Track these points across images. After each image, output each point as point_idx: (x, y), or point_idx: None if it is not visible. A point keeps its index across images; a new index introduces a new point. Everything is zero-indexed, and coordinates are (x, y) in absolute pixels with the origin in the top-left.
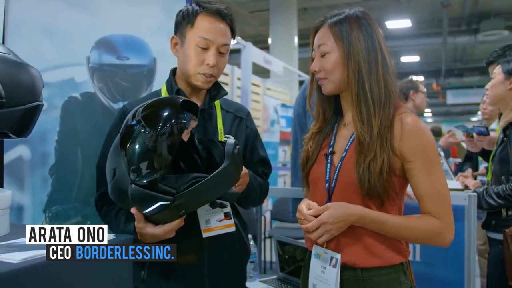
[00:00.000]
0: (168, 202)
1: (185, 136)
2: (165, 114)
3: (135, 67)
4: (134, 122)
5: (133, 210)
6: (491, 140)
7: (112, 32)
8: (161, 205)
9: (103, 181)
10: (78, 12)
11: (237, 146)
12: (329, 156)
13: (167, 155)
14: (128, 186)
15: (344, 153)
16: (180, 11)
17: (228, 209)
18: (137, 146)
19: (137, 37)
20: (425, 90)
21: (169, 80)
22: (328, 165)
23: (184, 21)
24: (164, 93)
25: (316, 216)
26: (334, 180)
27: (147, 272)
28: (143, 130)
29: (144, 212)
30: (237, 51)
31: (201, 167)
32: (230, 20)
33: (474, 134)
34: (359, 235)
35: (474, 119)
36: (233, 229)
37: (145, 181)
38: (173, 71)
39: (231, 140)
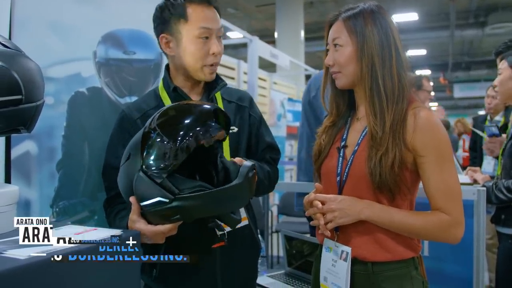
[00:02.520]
0: (167, 200)
1: (207, 144)
2: (192, 121)
3: (141, 61)
4: (159, 123)
5: (131, 199)
6: (502, 142)
7: (119, 27)
8: (159, 201)
9: (110, 187)
10: (85, 6)
11: (254, 170)
12: (342, 149)
13: (182, 157)
14: (136, 173)
15: (356, 147)
16: (159, 8)
17: (224, 232)
18: (159, 144)
19: (143, 32)
20: (430, 88)
21: (164, 78)
22: (340, 158)
23: (173, 16)
24: (161, 90)
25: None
26: (345, 174)
27: (159, 270)
28: (167, 132)
29: (142, 204)
30: (243, 46)
31: (215, 186)
32: (216, 2)
33: (486, 137)
34: (370, 230)
35: (481, 112)
36: (246, 222)
37: (153, 172)
38: (167, 68)
39: (249, 163)
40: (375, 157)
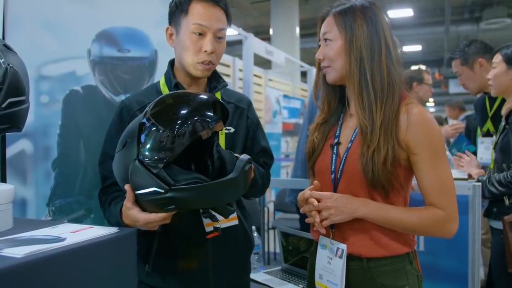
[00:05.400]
0: (162, 191)
1: (205, 135)
2: (191, 111)
3: (136, 59)
4: (157, 113)
5: (127, 186)
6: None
7: (113, 25)
8: (154, 191)
9: (106, 176)
10: (78, 4)
11: (250, 164)
12: (335, 146)
13: (179, 148)
14: (132, 161)
15: (350, 144)
16: (172, 0)
17: (218, 224)
18: (156, 134)
19: (138, 29)
20: (431, 81)
21: (167, 73)
22: (334, 156)
23: (177, 10)
24: (163, 86)
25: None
26: (339, 171)
27: (151, 265)
28: (164, 122)
29: (137, 192)
30: (238, 42)
31: (210, 175)
32: (224, 4)
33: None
34: (365, 227)
35: None
36: (236, 222)
37: (150, 162)
38: (171, 63)
39: (246, 156)
40: (367, 154)
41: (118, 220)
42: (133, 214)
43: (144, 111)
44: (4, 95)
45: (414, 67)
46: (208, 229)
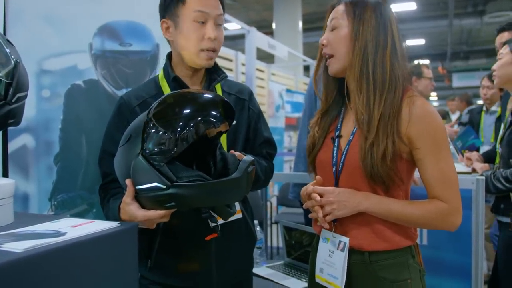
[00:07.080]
0: (164, 187)
1: (210, 134)
2: (197, 112)
3: (138, 53)
4: (164, 110)
5: (127, 181)
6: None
7: (115, 18)
8: (156, 186)
9: (106, 173)
10: None
11: (253, 166)
12: (336, 139)
13: (184, 145)
14: (135, 156)
15: (351, 137)
16: None
17: (218, 225)
18: (161, 131)
19: (139, 23)
20: (431, 75)
21: (165, 66)
22: (335, 149)
23: (172, 1)
24: (161, 79)
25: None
26: (341, 164)
27: (154, 260)
28: (170, 120)
29: (137, 187)
30: (241, 36)
31: (212, 177)
32: None
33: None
34: (367, 221)
35: (480, 102)
36: (239, 215)
37: (153, 157)
38: (169, 56)
39: (249, 157)
40: (365, 146)
41: (116, 215)
42: (132, 210)
43: (149, 109)
44: (13, 90)
45: (417, 62)
46: (212, 223)
